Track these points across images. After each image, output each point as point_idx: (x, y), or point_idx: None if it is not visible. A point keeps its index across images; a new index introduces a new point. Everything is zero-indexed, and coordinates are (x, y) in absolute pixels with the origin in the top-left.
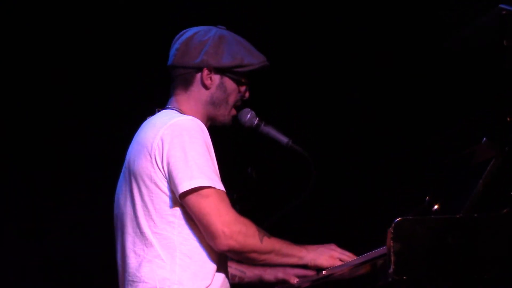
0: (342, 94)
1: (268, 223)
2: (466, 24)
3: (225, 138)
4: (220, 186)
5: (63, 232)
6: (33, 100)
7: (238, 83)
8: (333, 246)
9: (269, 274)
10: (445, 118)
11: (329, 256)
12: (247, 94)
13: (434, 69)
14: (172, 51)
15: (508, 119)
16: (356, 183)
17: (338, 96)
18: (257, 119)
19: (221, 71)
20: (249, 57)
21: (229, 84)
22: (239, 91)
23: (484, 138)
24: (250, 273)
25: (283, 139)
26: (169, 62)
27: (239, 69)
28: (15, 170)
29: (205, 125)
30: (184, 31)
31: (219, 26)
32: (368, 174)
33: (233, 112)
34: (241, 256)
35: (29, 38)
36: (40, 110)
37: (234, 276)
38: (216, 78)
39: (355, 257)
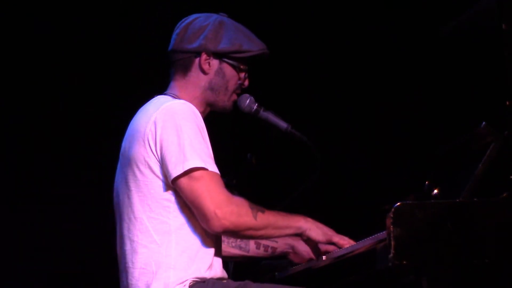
0: (338, 81)
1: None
2: (464, 9)
3: (224, 123)
4: (213, 168)
5: (65, 224)
6: (33, 91)
7: (237, 70)
8: (332, 231)
9: (302, 245)
10: (443, 103)
11: (323, 233)
12: (246, 82)
13: (431, 55)
14: (173, 36)
15: (507, 103)
16: (356, 167)
17: (334, 83)
18: (256, 104)
19: (219, 56)
20: (248, 43)
21: (228, 70)
22: (239, 78)
23: (483, 123)
24: (282, 242)
25: (283, 124)
26: (170, 47)
27: (238, 55)
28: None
29: (204, 111)
30: (186, 17)
31: (221, 13)
32: (367, 159)
33: (234, 97)
34: (238, 235)
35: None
36: (40, 105)
37: (266, 246)
38: (215, 63)
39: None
